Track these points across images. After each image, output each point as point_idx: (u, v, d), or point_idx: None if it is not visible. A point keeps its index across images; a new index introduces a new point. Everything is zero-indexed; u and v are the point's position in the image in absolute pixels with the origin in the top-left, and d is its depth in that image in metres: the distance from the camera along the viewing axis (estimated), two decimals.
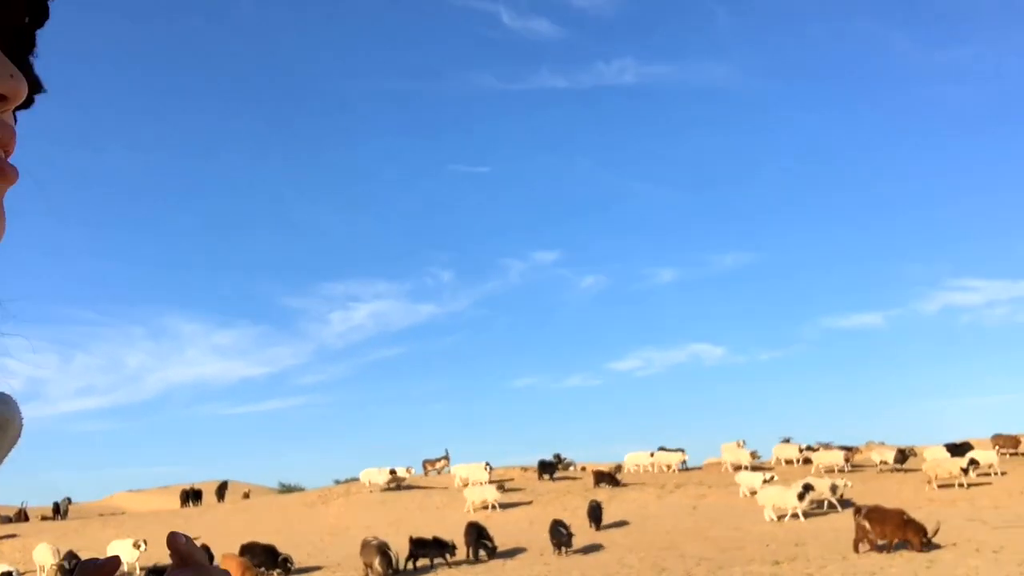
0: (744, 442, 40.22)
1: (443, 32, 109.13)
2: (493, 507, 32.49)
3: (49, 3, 0.71)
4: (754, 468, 36.26)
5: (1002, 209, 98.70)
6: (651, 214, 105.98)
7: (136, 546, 24.78)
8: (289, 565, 23.58)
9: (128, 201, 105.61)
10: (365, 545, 23.05)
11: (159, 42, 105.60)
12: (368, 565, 22.47)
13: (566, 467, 43.00)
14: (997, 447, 35.39)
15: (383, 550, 22.36)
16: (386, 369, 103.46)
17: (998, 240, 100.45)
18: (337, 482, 46.49)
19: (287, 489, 57.08)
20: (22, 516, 46.80)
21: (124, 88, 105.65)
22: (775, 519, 26.90)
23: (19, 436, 0.71)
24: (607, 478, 35.73)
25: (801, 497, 26.25)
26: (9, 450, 0.71)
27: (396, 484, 38.34)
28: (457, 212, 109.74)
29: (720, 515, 28.98)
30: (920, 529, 20.66)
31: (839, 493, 27.31)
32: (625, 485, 35.68)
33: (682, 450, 40.99)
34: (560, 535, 24.21)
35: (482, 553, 24.31)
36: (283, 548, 24.47)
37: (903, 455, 34.17)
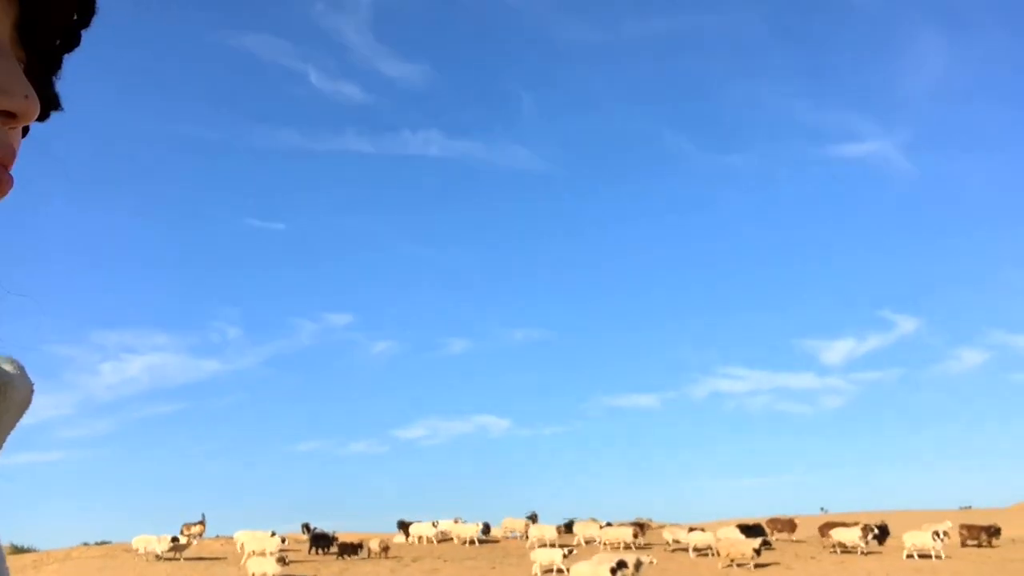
0: (535, 516, 39.72)
1: (250, 85, 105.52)
2: None
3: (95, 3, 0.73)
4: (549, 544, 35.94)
5: (770, 303, 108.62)
6: (448, 283, 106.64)
7: None
8: None
9: None
10: None
11: None
12: None
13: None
14: (773, 530, 37.15)
15: None
16: (161, 426, 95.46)
17: (762, 333, 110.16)
18: (86, 544, 41.06)
19: (18, 551, 50.21)
20: None
21: None
22: None
23: (27, 403, 0.74)
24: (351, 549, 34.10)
25: (614, 572, 25.89)
26: (15, 420, 0.72)
27: (176, 551, 33.82)
28: (250, 267, 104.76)
29: None
30: None
31: (643, 571, 27.23)
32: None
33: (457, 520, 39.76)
34: None
35: None
36: None
37: (641, 529, 35.43)
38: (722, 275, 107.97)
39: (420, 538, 39.63)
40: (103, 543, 40.78)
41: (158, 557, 33.37)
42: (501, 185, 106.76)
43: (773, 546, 32.36)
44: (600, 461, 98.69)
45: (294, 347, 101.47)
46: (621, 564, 26.15)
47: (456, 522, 39.84)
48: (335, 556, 34.08)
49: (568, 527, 39.25)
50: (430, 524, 40.17)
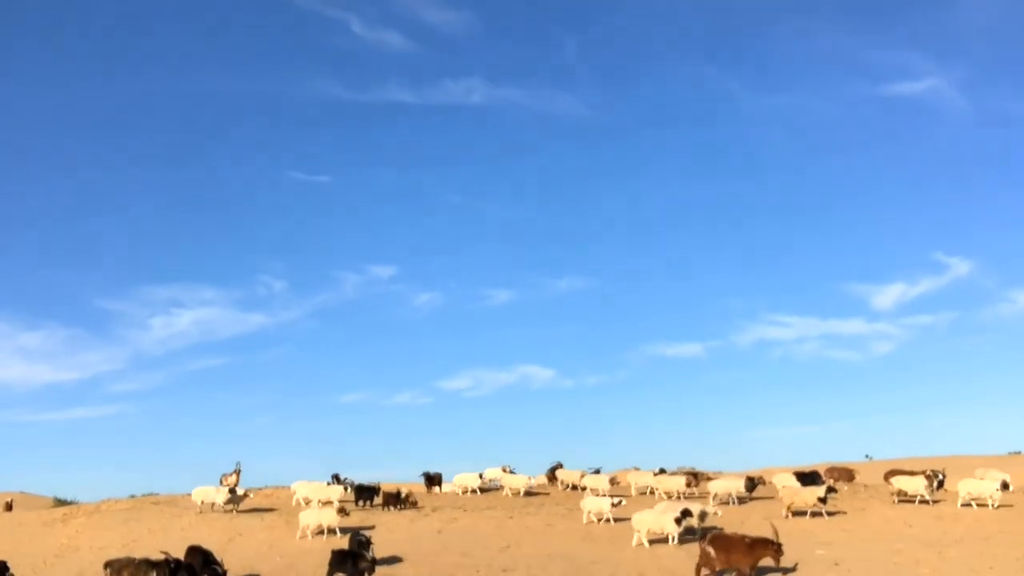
0: (598, 470, 38.41)
1: (291, 37, 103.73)
2: (331, 532, 28.43)
3: None
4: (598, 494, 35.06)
5: (818, 248, 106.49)
6: (490, 234, 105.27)
7: None
8: None
9: None
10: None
11: None
12: None
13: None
14: (831, 478, 36.00)
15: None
16: (209, 379, 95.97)
17: (810, 278, 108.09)
18: (133, 496, 40.60)
19: (61, 503, 50.42)
20: None
21: None
22: (646, 544, 25.37)
23: None
24: (394, 499, 33.44)
25: (679, 522, 24.85)
26: None
27: (233, 503, 32.83)
28: (294, 221, 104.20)
29: (577, 539, 27.18)
30: (767, 543, 20.25)
31: (707, 520, 26.15)
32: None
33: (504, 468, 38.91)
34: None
35: None
36: None
37: (752, 482, 33.87)
38: (769, 219, 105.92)
39: (465, 489, 38.83)
40: (149, 495, 40.25)
41: (215, 507, 32.64)
42: (544, 132, 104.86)
43: (835, 495, 31.17)
44: (644, 411, 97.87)
45: (338, 299, 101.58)
46: (686, 513, 25.09)
47: (505, 471, 38.93)
48: (380, 508, 33.34)
49: (612, 479, 38.00)
50: (476, 475, 39.32)
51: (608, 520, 29.53)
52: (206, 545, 23.56)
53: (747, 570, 20.06)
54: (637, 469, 40.20)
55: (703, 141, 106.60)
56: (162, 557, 20.89)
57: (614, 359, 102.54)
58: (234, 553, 26.00)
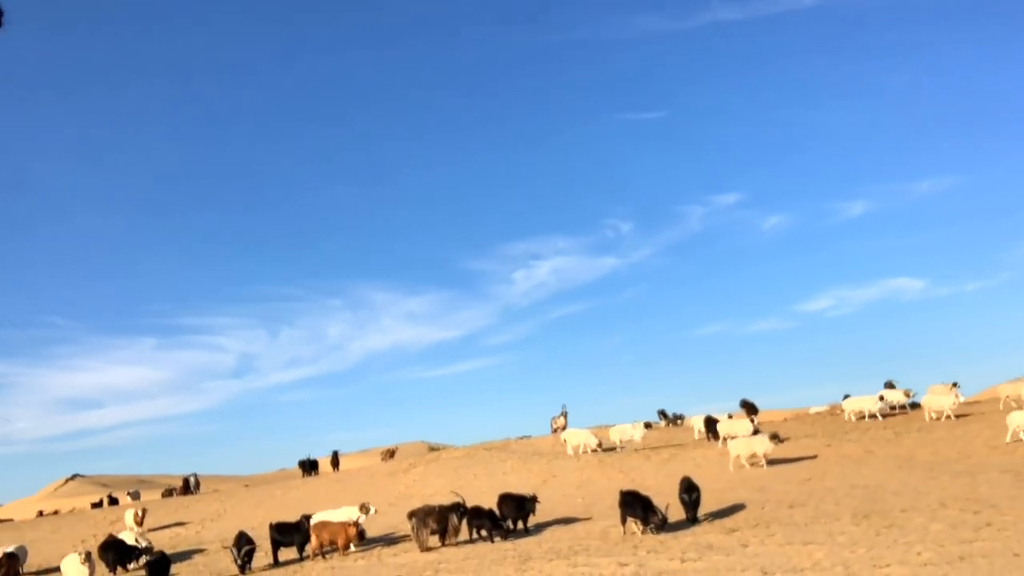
0: (957, 385, 34.56)
1: None
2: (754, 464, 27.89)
3: None
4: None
5: None
6: (837, 144, 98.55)
7: (363, 509, 23.97)
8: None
9: (314, 182, 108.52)
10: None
11: None
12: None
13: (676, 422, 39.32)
14: None
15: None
16: (571, 325, 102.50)
17: None
18: (493, 441, 44.11)
19: (433, 449, 56.77)
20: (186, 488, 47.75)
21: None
22: None
23: None
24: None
25: None
26: None
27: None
28: (632, 161, 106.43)
29: (893, 467, 24.91)
30: None
31: None
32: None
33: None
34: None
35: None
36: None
37: None
38: None
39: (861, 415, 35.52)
40: (499, 441, 43.34)
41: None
42: (878, 26, 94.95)
43: None
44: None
45: (685, 233, 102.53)
46: None
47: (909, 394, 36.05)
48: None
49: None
50: (875, 397, 35.42)
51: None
52: (521, 489, 25.42)
53: None
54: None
55: None
56: (457, 500, 22.89)
57: (993, 261, 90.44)
58: (547, 493, 27.72)
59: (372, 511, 24.13)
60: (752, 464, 28.12)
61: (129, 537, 25.71)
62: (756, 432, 30.50)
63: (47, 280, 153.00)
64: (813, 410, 44.53)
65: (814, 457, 28.72)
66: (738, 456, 28.44)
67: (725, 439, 31.62)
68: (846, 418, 35.78)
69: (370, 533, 24.25)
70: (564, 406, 41.43)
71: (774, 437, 29.03)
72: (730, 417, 34.76)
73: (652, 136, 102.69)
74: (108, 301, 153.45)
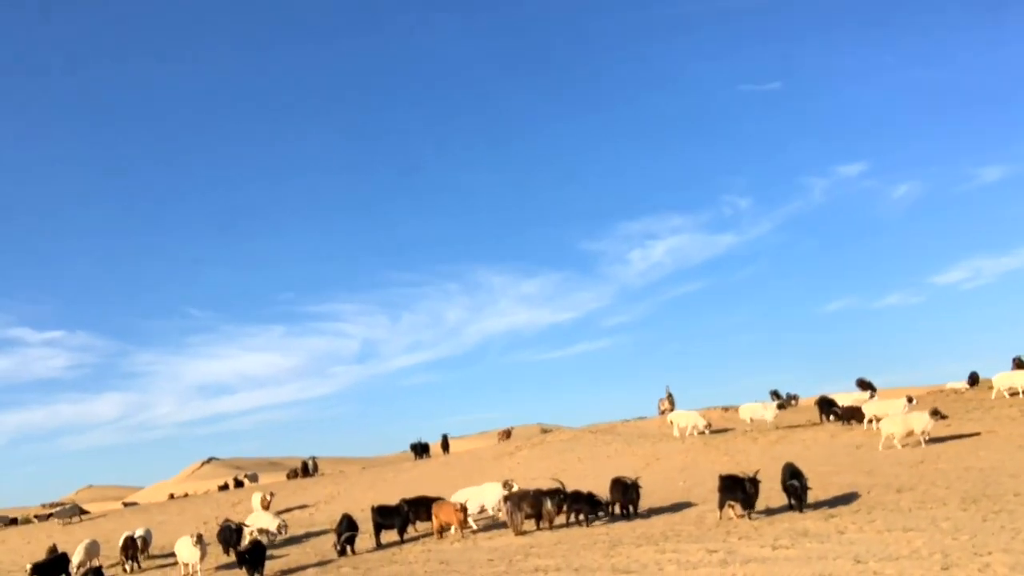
0: None
1: None
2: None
3: None
4: None
5: None
6: (969, 106, 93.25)
7: (506, 486, 24.44)
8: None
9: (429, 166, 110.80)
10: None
11: None
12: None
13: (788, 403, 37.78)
14: None
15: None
16: (689, 304, 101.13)
17: None
18: (600, 424, 43.89)
19: (545, 431, 57.17)
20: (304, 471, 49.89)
21: None
22: None
23: None
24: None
25: None
26: None
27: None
28: (750, 134, 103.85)
29: (1013, 447, 23.34)
30: None
31: None
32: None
33: None
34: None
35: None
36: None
37: None
38: None
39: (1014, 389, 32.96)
40: (609, 423, 43.13)
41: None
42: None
43: None
44: None
45: (807, 207, 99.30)
46: None
47: None
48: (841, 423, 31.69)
49: None
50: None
51: None
52: (625, 472, 25.31)
53: None
54: None
55: None
56: (556, 486, 22.95)
57: None
58: (648, 476, 27.43)
59: (514, 487, 24.21)
60: (905, 445, 26.30)
61: (262, 520, 26.72)
62: (910, 404, 28.76)
63: (182, 275, 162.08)
64: (949, 386, 42.24)
65: (977, 434, 26.65)
66: (891, 435, 26.76)
67: (871, 420, 29.87)
68: (993, 396, 33.50)
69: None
70: (668, 387, 40.91)
71: (935, 413, 26.88)
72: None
73: (770, 107, 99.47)
74: (241, 292, 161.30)
